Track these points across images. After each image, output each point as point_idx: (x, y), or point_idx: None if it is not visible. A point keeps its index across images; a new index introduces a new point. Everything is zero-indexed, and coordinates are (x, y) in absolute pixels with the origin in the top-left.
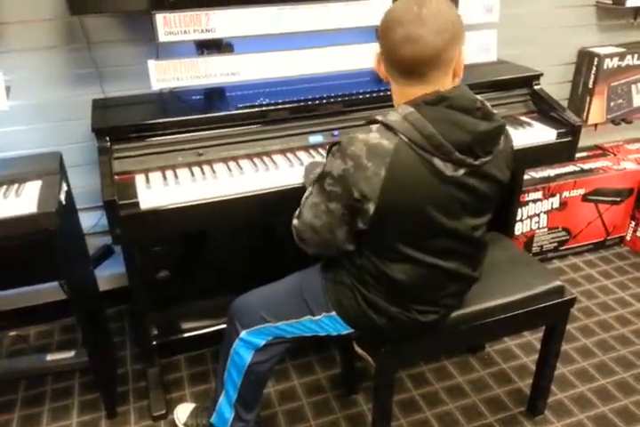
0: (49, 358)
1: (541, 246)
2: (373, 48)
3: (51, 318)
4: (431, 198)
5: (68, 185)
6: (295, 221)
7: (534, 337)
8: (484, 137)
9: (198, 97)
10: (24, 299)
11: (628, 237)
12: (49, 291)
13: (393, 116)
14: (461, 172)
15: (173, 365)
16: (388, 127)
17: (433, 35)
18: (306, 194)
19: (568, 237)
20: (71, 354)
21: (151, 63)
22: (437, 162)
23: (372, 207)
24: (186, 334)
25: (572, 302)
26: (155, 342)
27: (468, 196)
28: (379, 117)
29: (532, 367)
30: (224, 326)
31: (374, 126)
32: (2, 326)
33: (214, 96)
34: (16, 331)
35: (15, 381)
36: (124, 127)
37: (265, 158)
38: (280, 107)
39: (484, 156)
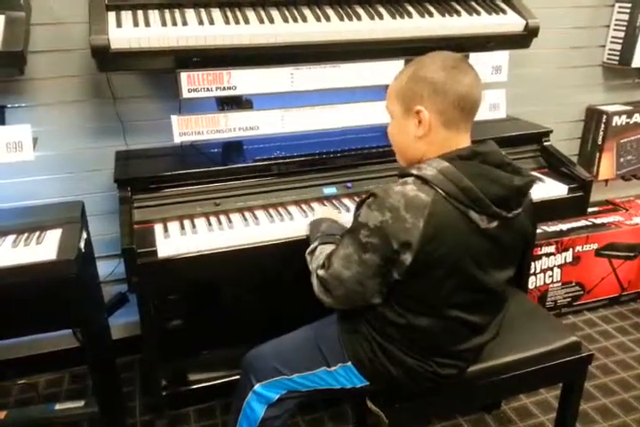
0: (58, 407)
1: (555, 301)
2: (382, 106)
3: (61, 366)
4: (466, 251)
5: (88, 233)
6: (321, 272)
7: (551, 395)
8: (519, 191)
9: (217, 150)
10: (35, 346)
11: None
12: (60, 338)
13: (428, 171)
14: (494, 224)
15: (183, 417)
16: (423, 181)
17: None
18: (311, 247)
19: (582, 292)
20: (81, 404)
21: (174, 118)
22: (473, 215)
23: (409, 258)
24: (196, 386)
25: (590, 358)
26: (164, 393)
27: (495, 248)
28: (413, 171)
29: None
30: (235, 377)
31: (409, 179)
32: (11, 374)
33: (233, 149)
34: (25, 379)
35: None
36: (145, 178)
37: (280, 209)
38: (295, 160)
39: (516, 208)
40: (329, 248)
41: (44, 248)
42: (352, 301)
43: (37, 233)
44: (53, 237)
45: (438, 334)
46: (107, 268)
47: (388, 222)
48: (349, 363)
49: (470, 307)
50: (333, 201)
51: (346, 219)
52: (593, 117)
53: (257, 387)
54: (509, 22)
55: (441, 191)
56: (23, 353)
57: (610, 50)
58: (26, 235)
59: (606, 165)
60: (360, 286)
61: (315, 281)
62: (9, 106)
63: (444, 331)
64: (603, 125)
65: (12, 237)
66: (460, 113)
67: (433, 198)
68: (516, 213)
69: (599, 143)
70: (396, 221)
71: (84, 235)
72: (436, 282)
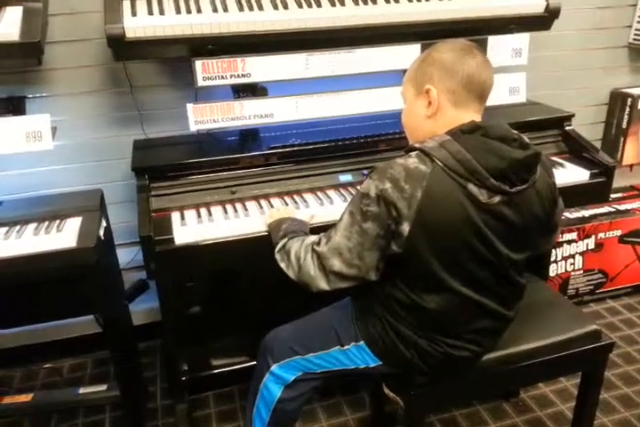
0: (81, 391)
1: (577, 289)
2: (398, 91)
3: (85, 351)
4: (465, 224)
5: (108, 221)
6: (319, 248)
7: (571, 383)
8: (520, 164)
9: (233, 138)
10: (59, 332)
11: None
12: (83, 324)
13: (430, 143)
14: (497, 199)
15: (202, 401)
16: (425, 153)
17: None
18: (279, 245)
19: (605, 280)
20: (103, 388)
21: (189, 106)
22: (472, 188)
23: (406, 229)
24: (215, 371)
25: (611, 347)
26: (184, 378)
27: (502, 225)
28: (417, 145)
29: (570, 415)
30: (253, 363)
31: (413, 153)
32: (36, 359)
33: (248, 137)
34: (51, 363)
35: (47, 413)
36: (162, 166)
37: (295, 197)
38: (311, 147)
39: (519, 184)
40: (302, 238)
41: (65, 236)
42: (348, 277)
43: (57, 221)
44: (73, 225)
45: (443, 312)
46: (127, 255)
47: (388, 191)
48: (362, 342)
49: (479, 287)
50: (349, 188)
51: (302, 214)
52: (617, 101)
53: (274, 368)
54: (529, 3)
55: (440, 163)
56: (48, 338)
57: (636, 30)
58: (46, 223)
59: (631, 150)
60: (358, 258)
61: (309, 261)
62: (29, 96)
63: (450, 309)
64: (628, 109)
65: (32, 226)
66: (469, 93)
67: (432, 170)
68: (520, 188)
69: (624, 127)
70: (394, 191)
71: (104, 223)
72: (436, 255)
